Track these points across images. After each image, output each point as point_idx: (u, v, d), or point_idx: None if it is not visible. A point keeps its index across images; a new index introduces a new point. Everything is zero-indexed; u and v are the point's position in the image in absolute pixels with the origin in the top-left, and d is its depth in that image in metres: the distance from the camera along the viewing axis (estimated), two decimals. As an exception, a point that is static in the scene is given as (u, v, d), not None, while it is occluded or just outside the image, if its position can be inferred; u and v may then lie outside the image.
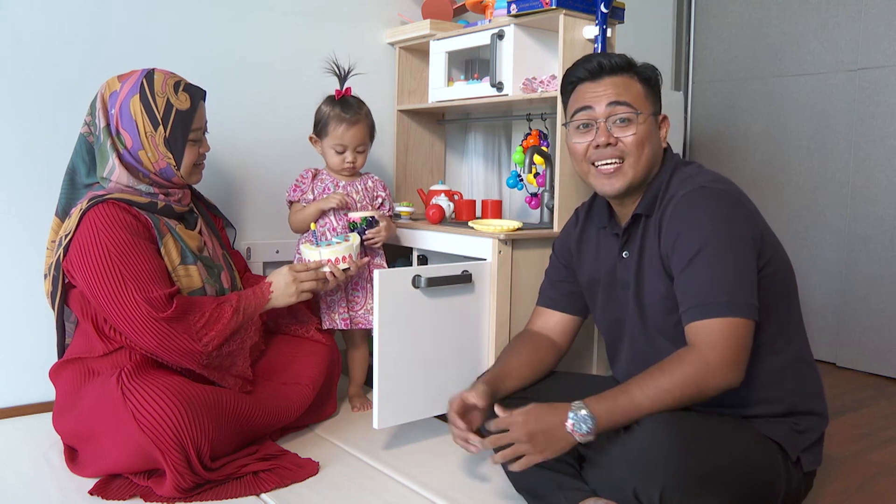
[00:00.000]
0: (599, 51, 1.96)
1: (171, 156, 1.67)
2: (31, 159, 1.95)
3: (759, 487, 1.31)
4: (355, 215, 1.99)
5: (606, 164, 1.44)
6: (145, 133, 1.64)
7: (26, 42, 1.92)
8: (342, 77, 2.08)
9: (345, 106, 2.03)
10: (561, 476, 1.39)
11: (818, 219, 2.92)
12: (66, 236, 1.59)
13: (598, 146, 1.44)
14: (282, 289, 1.77)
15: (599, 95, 1.45)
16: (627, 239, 1.49)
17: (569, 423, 1.25)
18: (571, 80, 1.52)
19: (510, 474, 1.50)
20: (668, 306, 1.39)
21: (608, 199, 1.54)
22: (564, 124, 1.54)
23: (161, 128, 1.65)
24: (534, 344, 1.63)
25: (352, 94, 2.08)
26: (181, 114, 1.67)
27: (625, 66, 1.46)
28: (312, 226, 1.96)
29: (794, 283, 1.46)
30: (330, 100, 2.06)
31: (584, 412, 1.25)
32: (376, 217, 2.00)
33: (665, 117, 1.51)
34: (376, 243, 2.03)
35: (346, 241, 1.89)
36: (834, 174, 2.87)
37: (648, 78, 1.48)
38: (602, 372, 2.09)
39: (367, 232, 1.99)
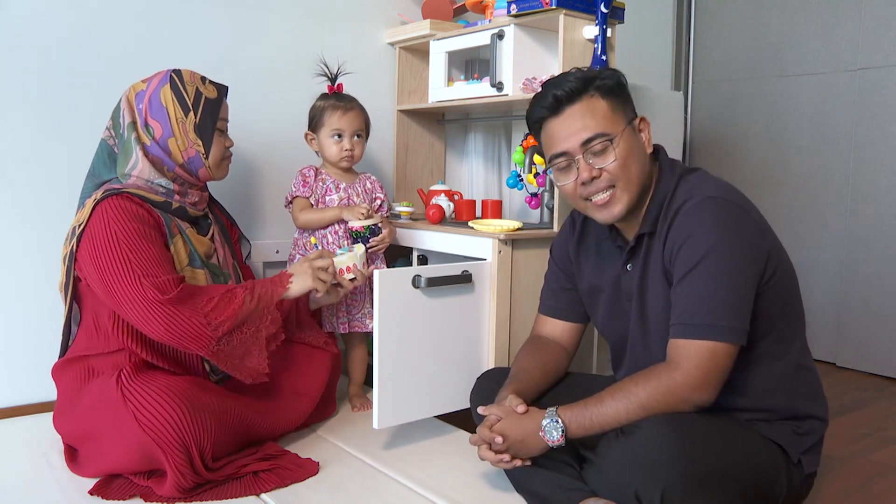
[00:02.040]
0: (599, 51, 1.96)
1: (200, 143, 1.70)
2: (34, 160, 1.95)
3: (761, 488, 1.31)
4: (357, 224, 1.99)
5: (599, 196, 1.40)
6: (176, 119, 1.67)
7: (31, 41, 1.92)
8: (332, 77, 2.12)
9: (338, 97, 2.08)
10: (561, 477, 1.40)
11: (818, 219, 2.92)
12: (80, 226, 1.59)
13: (583, 183, 1.40)
14: (300, 273, 1.73)
15: (568, 135, 1.38)
16: (632, 254, 1.47)
17: (541, 432, 1.34)
18: (535, 120, 1.46)
19: (511, 475, 1.50)
20: (669, 319, 1.37)
21: None
22: (545, 171, 1.51)
23: (192, 114, 1.68)
24: (546, 351, 1.62)
25: (343, 90, 2.11)
26: (210, 101, 1.72)
27: (581, 89, 1.39)
28: (313, 240, 1.97)
29: (797, 291, 1.44)
30: (322, 95, 2.11)
31: (555, 421, 1.33)
32: (379, 225, 2.00)
33: (642, 119, 1.45)
34: (380, 250, 2.04)
35: (351, 251, 1.89)
36: (834, 174, 2.87)
37: (611, 89, 1.40)
38: (603, 371, 2.10)
39: (370, 240, 1.99)
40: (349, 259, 1.84)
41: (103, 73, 2.01)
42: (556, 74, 1.48)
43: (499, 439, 1.36)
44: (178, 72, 1.72)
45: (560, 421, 1.32)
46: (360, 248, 1.88)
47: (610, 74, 1.42)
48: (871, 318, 2.76)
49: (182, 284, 1.56)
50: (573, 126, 1.38)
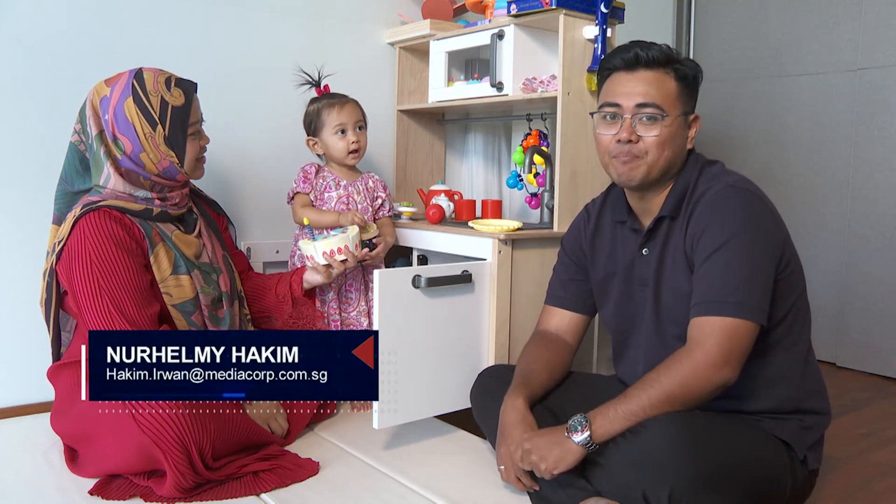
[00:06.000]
0: (599, 51, 1.96)
1: (173, 154, 1.65)
2: (31, 160, 1.94)
3: (767, 486, 1.32)
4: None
5: (626, 157, 1.44)
6: (144, 135, 1.62)
7: (25, 42, 1.92)
8: (316, 81, 2.13)
9: (329, 96, 2.09)
10: (563, 475, 1.39)
11: (818, 219, 2.92)
12: (59, 242, 1.59)
13: (619, 140, 1.43)
14: (264, 406, 1.74)
15: (630, 93, 1.43)
16: (649, 237, 1.49)
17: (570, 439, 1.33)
18: (607, 68, 1.49)
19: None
20: (686, 304, 1.39)
21: (626, 192, 1.53)
22: (592, 114, 1.53)
23: (160, 127, 1.63)
24: (552, 348, 1.63)
25: (331, 90, 2.12)
26: (177, 110, 1.66)
27: (662, 61, 1.43)
28: (305, 220, 1.96)
29: (804, 285, 1.46)
30: (313, 100, 2.12)
31: (586, 437, 1.31)
32: (374, 241, 1.99)
33: (696, 117, 1.49)
34: (373, 266, 2.03)
35: (344, 233, 1.88)
36: (834, 174, 2.87)
37: (686, 76, 1.45)
38: (602, 371, 2.09)
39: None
40: (341, 240, 1.84)
41: (98, 73, 1.95)
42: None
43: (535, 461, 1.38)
44: (140, 77, 1.64)
45: (588, 429, 1.31)
46: (352, 230, 1.88)
47: (692, 65, 1.47)
48: (871, 317, 2.75)
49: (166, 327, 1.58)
50: (638, 87, 1.42)
